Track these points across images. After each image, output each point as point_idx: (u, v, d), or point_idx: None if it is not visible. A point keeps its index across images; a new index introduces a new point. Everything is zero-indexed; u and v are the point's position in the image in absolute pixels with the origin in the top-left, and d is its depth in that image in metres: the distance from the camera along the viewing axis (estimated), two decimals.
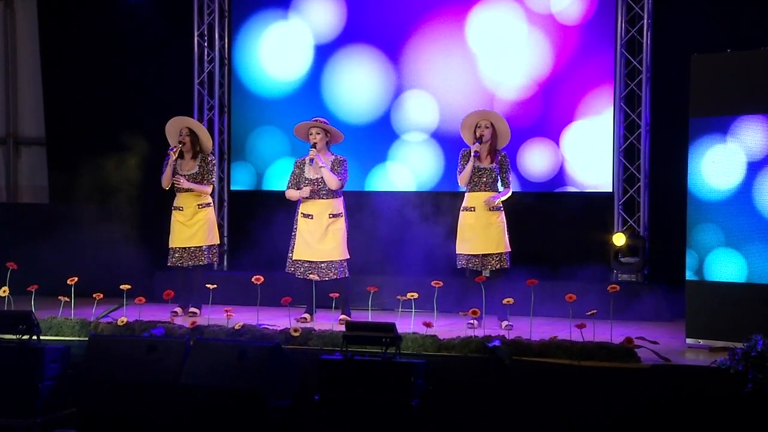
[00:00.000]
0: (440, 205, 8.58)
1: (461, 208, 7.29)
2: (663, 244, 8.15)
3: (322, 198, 7.39)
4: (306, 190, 7.36)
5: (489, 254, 7.14)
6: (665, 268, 8.04)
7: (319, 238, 7.35)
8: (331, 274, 7.33)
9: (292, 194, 7.44)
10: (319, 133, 7.37)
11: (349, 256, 7.40)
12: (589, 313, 6.29)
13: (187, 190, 7.79)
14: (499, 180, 7.23)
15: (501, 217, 7.22)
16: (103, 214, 9.50)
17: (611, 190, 8.47)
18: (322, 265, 7.34)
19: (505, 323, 7.02)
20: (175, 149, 7.72)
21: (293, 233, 7.46)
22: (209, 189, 7.97)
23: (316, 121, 7.43)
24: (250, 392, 5.62)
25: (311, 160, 7.31)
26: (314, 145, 7.34)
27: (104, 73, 9.84)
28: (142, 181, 9.33)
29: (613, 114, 8.43)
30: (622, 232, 8.25)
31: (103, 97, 9.83)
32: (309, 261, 7.37)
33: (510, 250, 7.19)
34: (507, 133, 7.26)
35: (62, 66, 10.04)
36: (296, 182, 7.47)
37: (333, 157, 7.42)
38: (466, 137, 7.33)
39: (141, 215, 9.47)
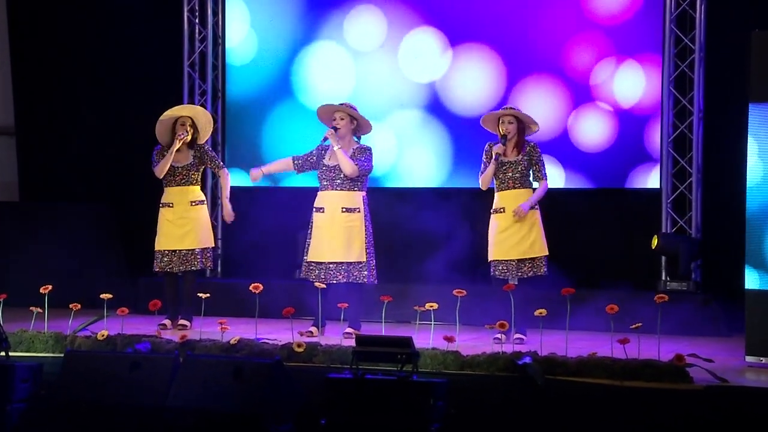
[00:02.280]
0: (465, 203, 8.59)
1: (491, 211, 7.30)
2: (719, 248, 8.13)
3: (336, 189, 7.41)
4: (257, 174, 7.56)
5: (522, 260, 7.14)
6: (722, 276, 8.03)
7: (329, 235, 7.37)
8: (341, 277, 7.35)
9: (256, 173, 7.59)
10: (343, 119, 7.40)
11: (367, 260, 7.38)
12: (634, 326, 6.28)
13: (181, 184, 7.79)
14: (531, 175, 7.23)
15: (536, 216, 7.22)
16: (81, 214, 9.56)
17: (658, 187, 8.46)
18: (331, 266, 7.37)
19: (517, 336, 7.03)
20: (184, 134, 7.73)
21: (309, 232, 7.49)
22: (227, 172, 8.01)
23: (344, 104, 7.45)
24: (247, 416, 5.64)
25: (325, 139, 7.34)
26: (336, 130, 7.36)
27: (81, 55, 9.90)
28: (126, 175, 9.40)
29: (661, 99, 8.42)
30: (657, 234, 8.24)
31: (81, 82, 9.90)
32: (316, 262, 7.40)
33: (547, 253, 7.20)
34: (534, 124, 7.26)
35: (33, 46, 10.10)
36: (302, 163, 7.49)
37: (357, 145, 7.46)
38: (489, 127, 7.34)
39: (123, 214, 9.53)
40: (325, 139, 7.38)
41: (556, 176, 8.51)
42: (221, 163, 8.05)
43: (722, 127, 8.19)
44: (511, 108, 7.29)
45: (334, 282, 7.35)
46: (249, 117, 9.55)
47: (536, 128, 7.27)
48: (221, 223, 9.60)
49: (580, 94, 8.58)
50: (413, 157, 9.06)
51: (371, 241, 7.47)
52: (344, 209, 7.39)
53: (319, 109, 7.51)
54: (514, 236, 7.16)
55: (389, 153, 9.03)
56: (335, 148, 7.34)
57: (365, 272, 7.40)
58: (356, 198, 7.43)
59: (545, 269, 7.19)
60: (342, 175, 7.37)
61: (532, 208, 7.19)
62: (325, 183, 7.42)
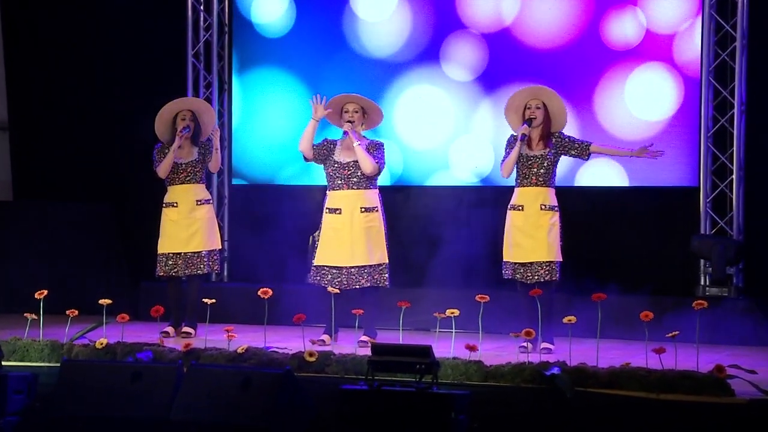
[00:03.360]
0: (488, 201, 8.58)
1: (508, 207, 7.28)
2: (763, 251, 8.09)
3: (353, 188, 7.41)
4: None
5: (538, 263, 7.12)
6: (766, 281, 7.98)
7: (349, 237, 7.36)
8: (363, 281, 7.35)
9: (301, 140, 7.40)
10: (357, 111, 7.39)
11: (387, 261, 7.40)
12: (670, 334, 6.25)
13: (186, 182, 7.80)
14: (578, 151, 7.17)
15: (555, 219, 7.19)
16: (78, 214, 9.59)
17: (697, 185, 8.42)
18: (353, 270, 7.36)
19: (544, 346, 7.00)
20: (186, 130, 7.73)
21: (317, 236, 7.49)
22: (219, 157, 7.95)
23: (356, 96, 7.43)
24: (255, 429, 5.65)
25: (345, 133, 7.32)
26: (351, 123, 7.35)
27: (78, 45, 9.93)
28: (127, 172, 9.42)
29: (700, 91, 8.38)
30: (694, 236, 8.19)
31: (77, 73, 9.92)
32: (336, 267, 7.39)
33: (561, 259, 7.16)
34: (563, 114, 7.22)
35: (27, 36, 10.13)
36: (317, 151, 7.43)
37: (369, 140, 7.45)
38: (512, 122, 7.30)
39: (124, 214, 9.55)
40: (346, 133, 7.33)
41: (586, 173, 8.48)
42: (219, 157, 7.96)
43: (766, 121, 8.14)
44: (540, 87, 7.23)
45: (357, 287, 7.34)
46: (258, 111, 9.56)
47: (563, 125, 7.23)
48: (228, 223, 9.62)
49: None
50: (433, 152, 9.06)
51: (388, 241, 7.47)
52: (363, 209, 7.39)
53: (332, 100, 7.48)
54: (530, 237, 7.13)
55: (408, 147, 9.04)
56: (355, 145, 7.32)
57: (386, 275, 7.41)
58: (374, 196, 7.45)
59: (558, 275, 7.15)
60: (359, 173, 7.36)
61: (551, 207, 7.13)
62: (339, 182, 7.41)
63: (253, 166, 9.60)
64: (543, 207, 7.15)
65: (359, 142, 7.32)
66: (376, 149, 7.41)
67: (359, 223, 7.37)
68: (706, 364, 6.10)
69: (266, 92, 9.51)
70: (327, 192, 7.52)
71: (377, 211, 7.43)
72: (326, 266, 7.43)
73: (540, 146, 7.19)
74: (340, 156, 7.43)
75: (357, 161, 7.35)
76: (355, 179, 7.38)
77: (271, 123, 9.49)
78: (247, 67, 9.59)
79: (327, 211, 7.48)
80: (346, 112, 7.42)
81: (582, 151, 7.21)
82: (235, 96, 9.64)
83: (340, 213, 7.42)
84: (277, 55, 9.44)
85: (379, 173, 7.41)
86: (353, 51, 9.17)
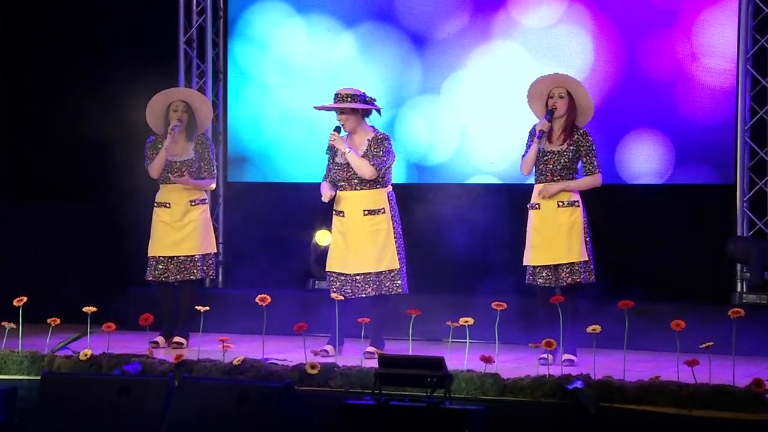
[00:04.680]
0: (506, 200, 8.58)
1: (528, 206, 7.28)
2: None
3: (355, 189, 7.40)
4: (326, 195, 7.37)
5: (559, 265, 7.11)
6: None
7: (353, 242, 7.37)
8: (370, 290, 7.35)
9: (323, 190, 7.45)
10: (344, 113, 7.37)
11: (399, 267, 7.39)
12: (704, 345, 6.24)
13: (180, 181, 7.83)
14: (582, 166, 7.19)
15: (576, 215, 7.15)
16: (62, 214, 9.61)
17: (733, 182, 8.41)
18: (358, 278, 7.36)
19: (566, 357, 7.00)
20: (177, 127, 7.74)
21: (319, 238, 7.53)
22: (212, 184, 8.04)
23: (340, 97, 7.37)
24: None
25: (329, 148, 7.34)
26: (340, 129, 7.36)
27: (62, 34, 9.93)
28: (114, 170, 9.42)
29: (737, 80, 8.36)
30: (730, 239, 8.18)
31: (63, 63, 9.92)
32: (343, 274, 7.40)
33: (588, 259, 7.14)
34: (589, 106, 7.20)
35: (4, 26, 10.13)
36: (329, 174, 7.51)
37: (372, 134, 7.45)
38: (537, 110, 7.31)
39: (112, 214, 9.56)
40: (331, 147, 7.35)
41: (610, 168, 8.47)
42: (214, 171, 8.00)
43: None
44: (565, 75, 7.22)
45: (363, 296, 7.34)
46: (254, 101, 9.57)
47: (589, 117, 7.22)
48: (223, 224, 9.63)
49: None
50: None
51: (402, 244, 7.46)
52: (366, 212, 7.39)
53: (316, 108, 7.51)
54: (548, 238, 7.12)
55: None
56: (345, 152, 7.31)
57: (399, 281, 7.39)
58: (379, 197, 7.42)
59: (584, 276, 7.12)
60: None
61: (571, 203, 7.12)
62: (341, 183, 7.42)
63: (251, 162, 9.60)
64: (561, 204, 7.14)
65: (349, 150, 7.31)
66: (378, 146, 7.37)
67: (362, 226, 7.37)
68: (743, 377, 6.08)
69: (265, 82, 9.50)
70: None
71: (384, 212, 7.41)
72: (334, 272, 7.44)
73: (560, 140, 7.17)
74: (342, 157, 7.42)
75: None
76: (356, 180, 7.38)
77: (270, 115, 9.49)
78: (243, 55, 9.59)
79: (334, 213, 7.50)
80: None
81: (586, 170, 7.17)
82: (230, 86, 9.64)
83: (343, 216, 7.42)
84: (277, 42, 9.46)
85: (382, 174, 7.39)
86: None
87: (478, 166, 8.96)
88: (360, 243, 7.36)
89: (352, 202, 7.40)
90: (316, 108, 7.54)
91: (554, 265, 7.13)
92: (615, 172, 8.54)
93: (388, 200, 7.45)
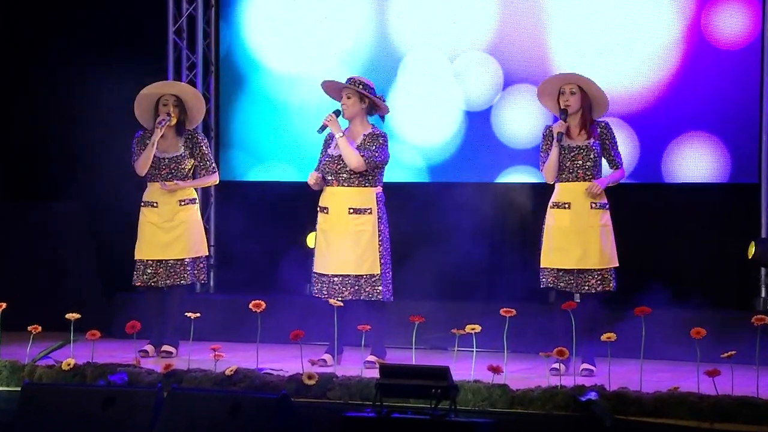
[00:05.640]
0: (514, 199, 8.56)
1: (549, 205, 7.27)
2: None
3: (342, 184, 7.41)
4: (312, 176, 7.39)
5: (588, 270, 7.11)
6: None
7: (336, 242, 7.37)
8: (347, 294, 7.33)
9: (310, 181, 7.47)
10: (350, 97, 7.40)
11: (382, 272, 7.40)
12: (726, 355, 6.25)
13: (168, 179, 7.81)
14: (605, 160, 7.19)
15: (606, 218, 7.19)
16: (43, 215, 9.59)
17: (757, 181, 8.41)
18: (336, 279, 7.36)
19: (584, 367, 6.98)
20: (165, 121, 7.73)
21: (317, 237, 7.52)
22: (215, 177, 8.03)
23: (352, 81, 7.43)
24: None
25: (322, 127, 7.35)
26: (339, 113, 7.37)
27: (42, 23, 9.91)
28: (99, 168, 9.41)
29: (761, 69, 8.34)
30: (755, 240, 8.18)
31: (40, 54, 9.91)
32: (330, 275, 7.40)
33: (617, 264, 7.15)
34: (603, 98, 7.21)
35: None
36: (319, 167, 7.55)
37: (371, 130, 7.45)
38: (548, 106, 7.34)
39: (96, 215, 9.55)
40: (324, 126, 7.36)
41: (628, 167, 8.47)
42: (214, 166, 8.02)
43: None
44: (574, 74, 7.24)
45: (340, 299, 7.34)
46: (248, 95, 9.57)
47: (605, 108, 7.23)
48: (215, 226, 9.63)
49: None
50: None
51: (387, 249, 7.45)
52: (352, 210, 7.39)
53: (323, 84, 7.52)
54: (579, 240, 7.11)
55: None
56: (337, 136, 7.34)
57: (380, 287, 7.39)
58: (367, 196, 7.42)
59: (614, 284, 7.14)
60: (348, 168, 7.36)
61: (602, 205, 7.13)
62: (329, 177, 7.42)
63: (244, 160, 9.60)
64: (594, 205, 7.15)
65: (341, 134, 7.32)
66: (373, 141, 7.39)
67: (346, 225, 7.37)
68: (767, 388, 6.07)
69: (260, 74, 9.50)
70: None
71: (371, 213, 7.40)
72: (323, 274, 7.44)
73: (582, 136, 7.19)
74: (332, 148, 7.43)
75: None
76: (344, 175, 7.38)
77: (265, 110, 9.49)
78: (236, 46, 9.59)
79: (318, 209, 7.49)
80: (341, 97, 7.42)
81: (610, 163, 7.23)
82: (222, 78, 9.64)
83: (327, 212, 7.43)
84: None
85: (370, 169, 7.39)
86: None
87: (485, 164, 8.96)
88: (341, 242, 7.36)
89: (337, 198, 7.40)
90: (324, 83, 7.52)
91: (579, 270, 7.12)
92: (634, 171, 8.53)
93: (377, 201, 7.44)
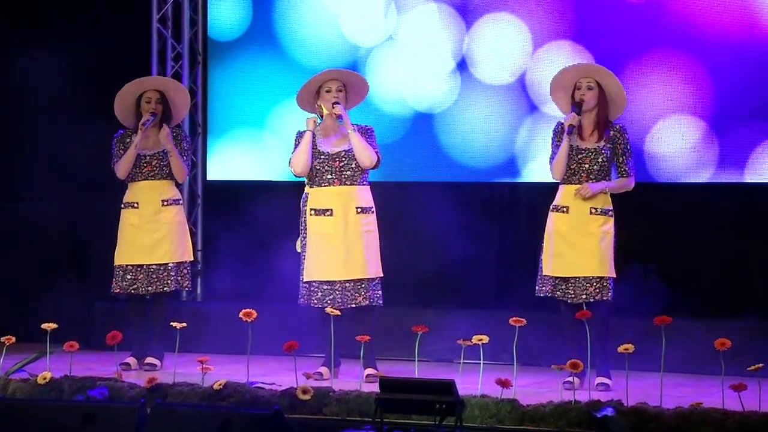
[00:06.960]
0: (524, 200, 8.58)
1: (550, 208, 7.29)
2: None
3: (345, 183, 7.43)
4: (311, 122, 7.39)
5: (583, 278, 7.12)
6: None
7: (343, 244, 7.37)
8: (360, 299, 7.36)
9: (299, 159, 7.38)
10: (341, 90, 7.42)
11: (382, 275, 7.45)
12: (752, 367, 6.26)
13: (150, 178, 7.82)
14: (615, 167, 7.21)
15: (608, 225, 7.18)
16: (16, 218, 9.60)
17: None
18: (348, 285, 7.36)
19: (600, 381, 6.99)
20: (149, 122, 7.75)
21: (303, 242, 7.51)
22: (184, 174, 8.03)
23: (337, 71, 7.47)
24: None
25: (339, 117, 7.34)
26: (336, 107, 7.40)
27: (16, 12, 9.92)
28: (76, 167, 9.42)
29: None
30: None
31: (14, 43, 9.91)
32: (329, 282, 7.40)
33: (615, 275, 7.16)
34: (622, 97, 7.22)
35: None
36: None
37: (356, 125, 7.47)
38: (560, 103, 7.32)
39: (73, 217, 9.55)
40: (339, 116, 7.35)
41: (646, 164, 8.48)
42: (189, 163, 8.06)
43: None
44: (594, 65, 7.24)
45: (353, 306, 7.34)
46: (238, 89, 9.59)
47: (622, 109, 7.23)
48: (201, 228, 9.63)
49: None
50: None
51: (381, 250, 7.51)
52: (360, 209, 7.41)
53: (299, 94, 7.48)
54: (576, 246, 7.14)
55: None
56: (350, 132, 7.36)
57: (379, 291, 7.44)
58: (368, 194, 7.49)
59: (611, 294, 7.15)
60: (354, 164, 7.38)
61: (605, 211, 7.14)
62: (329, 176, 7.41)
63: (233, 158, 9.61)
64: (594, 210, 7.16)
65: (353, 128, 7.36)
66: (369, 136, 7.44)
67: (355, 226, 7.39)
68: None
69: (250, 67, 9.53)
70: (307, 189, 7.51)
71: (373, 212, 7.46)
72: (315, 282, 7.43)
73: (594, 138, 7.19)
74: (326, 145, 7.43)
75: (348, 151, 7.37)
76: (348, 173, 7.40)
77: (256, 105, 9.50)
78: (225, 35, 9.61)
79: (313, 212, 7.45)
80: (327, 91, 7.41)
81: (619, 170, 7.22)
82: (210, 70, 9.65)
83: (331, 215, 7.42)
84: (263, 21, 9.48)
85: (378, 165, 7.43)
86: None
87: (490, 165, 8.99)
88: (352, 245, 7.37)
89: (342, 198, 7.41)
90: (326, 72, 7.52)
91: (576, 278, 7.14)
92: (655, 169, 8.55)
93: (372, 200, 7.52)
